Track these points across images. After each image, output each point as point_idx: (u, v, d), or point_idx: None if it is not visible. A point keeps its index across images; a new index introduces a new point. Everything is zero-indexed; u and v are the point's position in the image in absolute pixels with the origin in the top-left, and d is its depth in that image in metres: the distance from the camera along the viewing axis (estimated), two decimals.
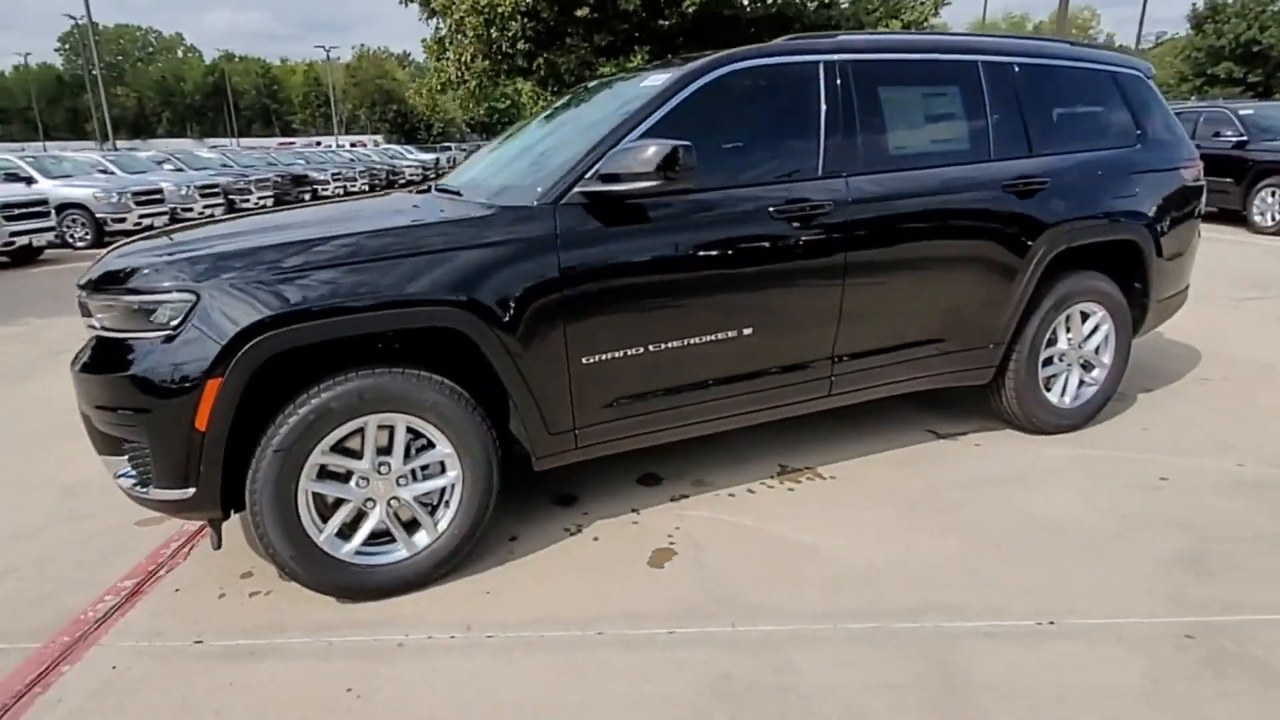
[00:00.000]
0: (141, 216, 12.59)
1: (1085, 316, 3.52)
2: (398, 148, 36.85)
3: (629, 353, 2.58)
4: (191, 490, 2.16)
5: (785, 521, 2.84)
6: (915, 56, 3.15)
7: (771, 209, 2.72)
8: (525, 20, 11.49)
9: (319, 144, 40.04)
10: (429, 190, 3.21)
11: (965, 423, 3.71)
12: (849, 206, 2.84)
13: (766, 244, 2.72)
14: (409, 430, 2.35)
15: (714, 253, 2.65)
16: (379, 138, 54.63)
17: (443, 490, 2.45)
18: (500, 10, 11.03)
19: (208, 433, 2.10)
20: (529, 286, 2.38)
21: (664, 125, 2.64)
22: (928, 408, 3.89)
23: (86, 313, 2.25)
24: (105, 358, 2.16)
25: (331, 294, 2.16)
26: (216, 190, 15.36)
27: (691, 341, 2.67)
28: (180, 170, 17.22)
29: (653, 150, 2.39)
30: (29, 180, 12.65)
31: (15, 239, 9.98)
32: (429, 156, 31.61)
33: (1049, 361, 3.50)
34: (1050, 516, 2.82)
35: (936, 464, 3.29)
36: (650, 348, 2.61)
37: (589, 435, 2.63)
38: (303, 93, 71.60)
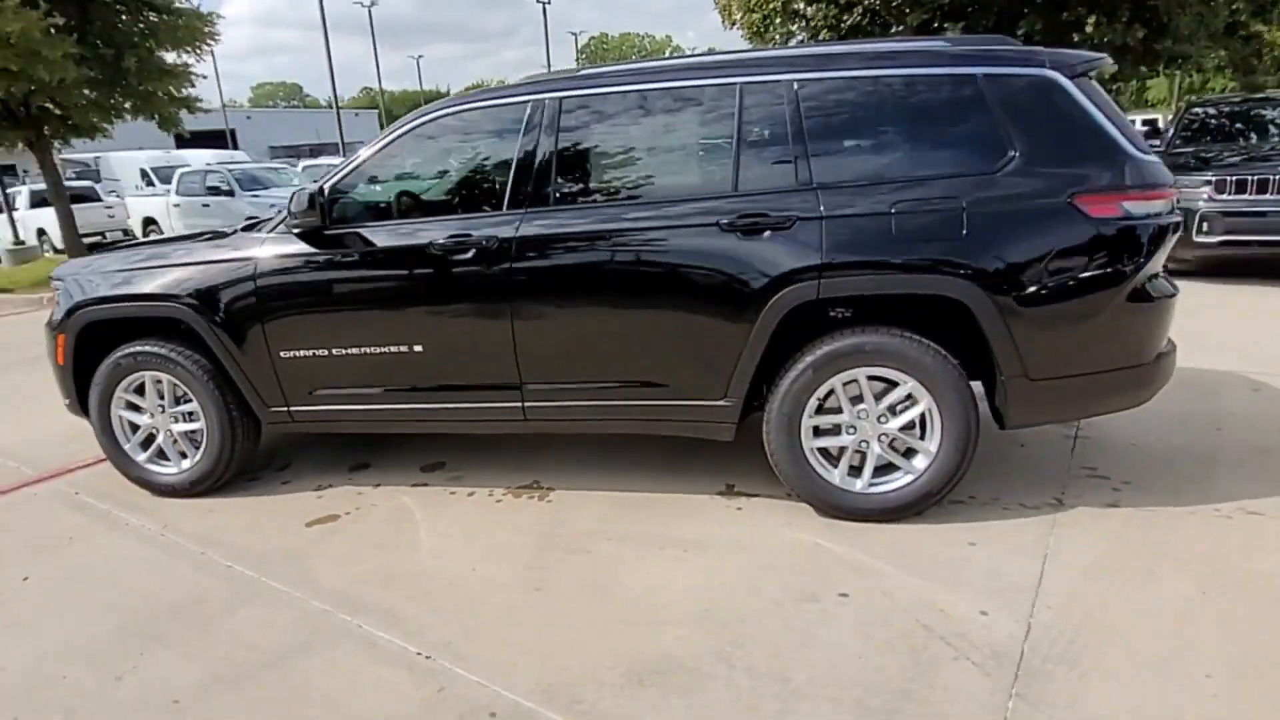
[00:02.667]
0: None
1: (888, 385, 2.96)
2: None
3: (316, 353, 3.33)
4: (69, 400, 3.69)
5: (441, 524, 3.27)
6: (649, 87, 3.10)
7: (438, 241, 3.14)
8: (827, 6, 11.38)
9: None
10: None
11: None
12: (518, 243, 3.07)
13: (426, 274, 3.16)
14: (172, 384, 3.53)
15: (380, 278, 3.23)
16: None
17: (202, 431, 3.58)
18: (772, 5, 11.18)
19: (64, 366, 3.59)
20: (233, 295, 3.33)
21: (367, 168, 3.29)
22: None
23: None
24: None
25: (114, 289, 3.45)
26: None
27: (367, 351, 3.29)
28: None
29: (304, 193, 3.12)
30: None
31: None
32: None
33: (832, 431, 3.05)
34: (624, 589, 2.71)
35: (654, 513, 3.23)
36: (334, 351, 3.32)
37: (301, 414, 3.47)
38: None
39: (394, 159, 3.34)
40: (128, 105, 10.93)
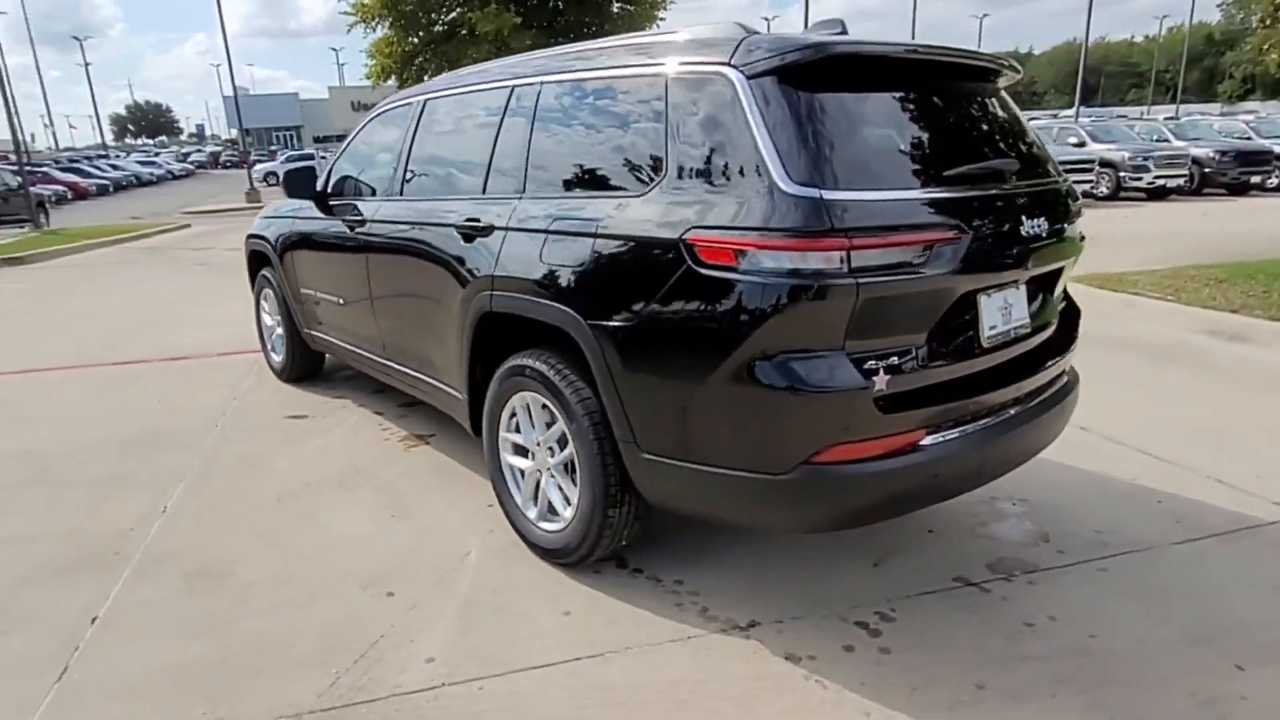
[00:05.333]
0: (1156, 178, 15.92)
1: (552, 416, 2.84)
2: None
3: (309, 292, 4.56)
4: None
5: (335, 442, 4.22)
6: (469, 89, 3.40)
7: (347, 214, 4.01)
8: None
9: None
10: None
11: None
12: (370, 224, 3.78)
13: (340, 242, 4.08)
14: (275, 300, 5.15)
15: (330, 244, 4.24)
16: None
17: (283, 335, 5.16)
18: None
19: (249, 273, 5.54)
20: (285, 242, 4.74)
21: (348, 152, 4.31)
22: None
23: None
24: None
25: (255, 229, 5.18)
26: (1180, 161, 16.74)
27: (324, 296, 4.38)
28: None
29: (307, 168, 4.31)
30: (1081, 144, 17.13)
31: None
32: None
33: (526, 453, 3.04)
34: (312, 526, 3.31)
35: (441, 483, 3.65)
36: (317, 293, 4.50)
37: (315, 339, 4.76)
38: None
39: (360, 146, 4.27)
40: None
